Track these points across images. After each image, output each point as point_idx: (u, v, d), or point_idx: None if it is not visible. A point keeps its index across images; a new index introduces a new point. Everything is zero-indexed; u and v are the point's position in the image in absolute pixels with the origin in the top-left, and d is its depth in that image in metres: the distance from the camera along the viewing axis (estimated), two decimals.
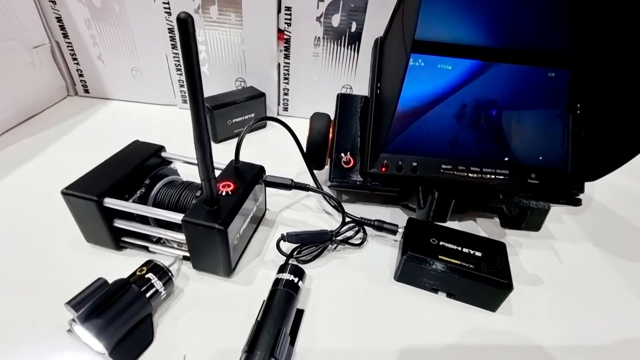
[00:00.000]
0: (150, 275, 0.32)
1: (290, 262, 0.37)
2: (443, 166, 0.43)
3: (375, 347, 0.32)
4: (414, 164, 0.43)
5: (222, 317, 0.34)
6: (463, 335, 0.34)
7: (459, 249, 0.37)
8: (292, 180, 0.41)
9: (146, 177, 0.39)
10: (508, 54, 0.44)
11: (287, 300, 0.32)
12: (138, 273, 0.32)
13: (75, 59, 0.66)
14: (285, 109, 0.69)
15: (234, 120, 0.60)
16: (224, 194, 0.36)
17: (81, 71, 0.67)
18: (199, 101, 0.27)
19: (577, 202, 0.43)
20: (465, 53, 0.44)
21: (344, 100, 0.45)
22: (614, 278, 0.41)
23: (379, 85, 0.43)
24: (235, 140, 0.64)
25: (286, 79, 0.65)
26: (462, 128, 0.43)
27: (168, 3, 0.57)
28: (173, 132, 0.60)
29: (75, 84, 0.69)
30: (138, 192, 0.38)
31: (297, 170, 0.54)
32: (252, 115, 0.62)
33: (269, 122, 0.66)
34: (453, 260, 0.36)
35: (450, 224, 0.46)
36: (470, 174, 0.43)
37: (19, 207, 0.44)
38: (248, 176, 0.39)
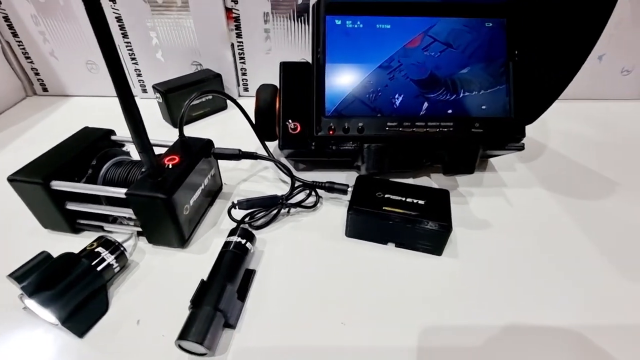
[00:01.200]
0: (100, 249, 0.33)
1: (242, 227, 0.38)
2: (388, 124, 0.44)
3: (325, 300, 0.34)
4: (360, 124, 0.43)
5: (176, 284, 0.35)
6: (411, 281, 0.35)
7: (403, 199, 0.38)
8: (239, 150, 0.42)
9: (93, 159, 0.39)
10: (446, 8, 0.45)
11: (234, 260, 0.34)
12: (88, 248, 0.33)
13: (28, 58, 0.65)
14: (246, 89, 0.70)
15: (191, 104, 0.60)
16: (170, 167, 0.37)
17: (36, 70, 0.67)
18: (119, 72, 0.28)
19: (521, 147, 0.44)
20: (401, 11, 0.44)
21: (287, 69, 0.45)
22: (562, 217, 0.43)
23: (319, 50, 0.44)
24: (195, 124, 0.66)
25: (242, 58, 0.65)
26: (406, 86, 0.44)
27: None
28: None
29: (33, 83, 0.69)
30: (87, 173, 0.38)
31: (258, 147, 0.55)
32: (210, 97, 0.62)
33: (230, 105, 0.67)
34: (396, 210, 0.37)
35: (405, 181, 0.48)
36: (415, 129, 0.44)
37: None
38: (194, 149, 0.40)
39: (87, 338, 0.30)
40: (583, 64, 0.35)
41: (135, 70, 0.66)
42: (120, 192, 0.34)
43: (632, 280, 0.35)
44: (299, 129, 0.44)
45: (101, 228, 0.39)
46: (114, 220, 0.40)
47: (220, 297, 0.30)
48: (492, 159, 0.53)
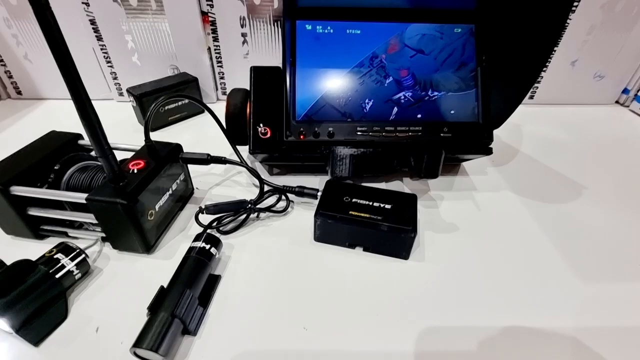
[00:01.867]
0: (59, 255, 0.33)
1: (207, 232, 0.38)
2: (359, 129, 0.44)
3: (289, 305, 0.34)
4: (330, 129, 0.44)
5: (139, 290, 0.34)
6: (377, 285, 0.36)
7: (370, 203, 0.39)
8: (208, 155, 0.42)
9: (57, 164, 0.39)
10: (415, 13, 0.45)
11: (196, 265, 0.33)
12: (47, 255, 0.33)
13: (1, 61, 0.64)
14: (224, 93, 0.70)
15: (166, 108, 0.60)
16: (135, 171, 0.36)
17: (10, 72, 0.66)
18: (70, 73, 0.27)
19: (489, 151, 0.45)
20: (372, 16, 0.45)
21: (257, 73, 0.45)
22: (528, 220, 0.44)
23: (291, 55, 0.44)
24: (170, 128, 0.65)
25: (219, 62, 0.65)
26: (375, 90, 0.45)
27: None
28: (111, 127, 0.60)
29: (6, 86, 0.68)
30: (50, 178, 0.38)
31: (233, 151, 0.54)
32: (186, 101, 0.62)
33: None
34: (362, 214, 0.37)
35: (377, 185, 0.48)
36: (385, 134, 0.44)
37: None
38: (161, 154, 0.40)
39: (42, 347, 0.30)
40: (543, 68, 0.36)
41: (111, 73, 0.65)
42: (80, 197, 0.34)
43: (592, 281, 0.36)
44: (269, 133, 0.44)
45: (65, 234, 0.39)
46: (79, 225, 0.40)
47: (178, 303, 0.29)
48: (464, 163, 0.53)
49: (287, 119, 0.43)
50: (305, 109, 0.44)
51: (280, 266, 0.37)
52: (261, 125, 0.44)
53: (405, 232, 0.36)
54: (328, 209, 0.38)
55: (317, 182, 0.49)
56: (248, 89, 0.47)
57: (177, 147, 0.42)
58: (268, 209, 0.42)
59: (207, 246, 0.35)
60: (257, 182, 0.48)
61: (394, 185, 0.49)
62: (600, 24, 0.62)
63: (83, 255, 0.34)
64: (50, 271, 0.32)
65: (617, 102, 0.72)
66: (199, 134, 0.61)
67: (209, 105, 0.46)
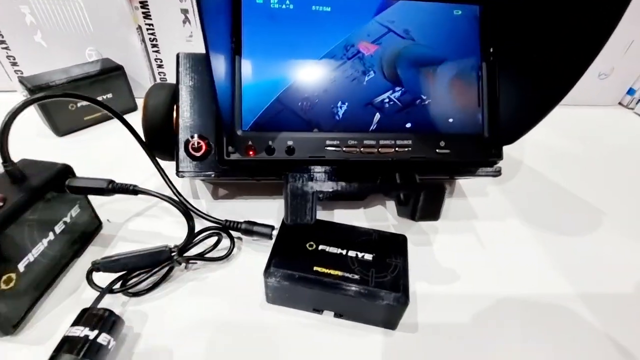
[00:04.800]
0: None
1: (107, 300, 0.25)
2: (328, 142, 0.32)
3: None
4: (289, 143, 0.32)
5: None
6: None
7: (344, 252, 0.28)
8: (109, 182, 0.29)
9: None
10: None
11: None
12: None
13: None
14: None
15: (78, 105, 0.45)
16: None
17: None
18: None
19: (496, 173, 0.34)
20: None
21: (188, 62, 0.32)
22: (544, 261, 0.34)
23: (233, 39, 0.31)
24: (87, 132, 0.50)
25: (154, 46, 0.51)
26: (351, 90, 0.33)
27: None
28: (13, 128, 0.45)
29: None
30: None
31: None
32: (110, 95, 0.48)
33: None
34: (332, 272, 0.26)
35: (353, 213, 0.37)
36: (363, 149, 0.33)
37: None
38: (34, 183, 0.26)
39: None
40: (586, 69, 0.26)
41: (8, 57, 0.49)
42: None
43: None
44: (204, 148, 0.32)
45: None
46: None
47: None
48: (460, 180, 0.43)
49: (229, 129, 0.31)
50: (256, 115, 0.32)
51: (220, 343, 0.26)
52: (194, 136, 0.32)
53: (392, 302, 0.25)
54: (283, 265, 0.26)
55: (276, 208, 0.38)
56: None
57: (64, 170, 0.28)
58: (202, 255, 0.30)
59: (92, 334, 0.23)
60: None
61: (375, 212, 0.38)
62: None
63: None
64: None
65: (620, 103, 0.64)
66: (125, 140, 0.47)
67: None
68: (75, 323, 0.23)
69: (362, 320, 0.27)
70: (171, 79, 0.55)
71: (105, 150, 0.44)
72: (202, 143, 0.31)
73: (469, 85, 0.35)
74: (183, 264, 0.30)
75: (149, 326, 0.27)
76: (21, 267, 0.25)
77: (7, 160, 0.26)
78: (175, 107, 0.32)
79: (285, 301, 0.28)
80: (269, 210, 0.37)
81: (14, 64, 0.50)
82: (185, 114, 0.32)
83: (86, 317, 0.23)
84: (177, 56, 0.32)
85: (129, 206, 0.36)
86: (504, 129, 0.33)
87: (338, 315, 0.28)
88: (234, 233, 0.32)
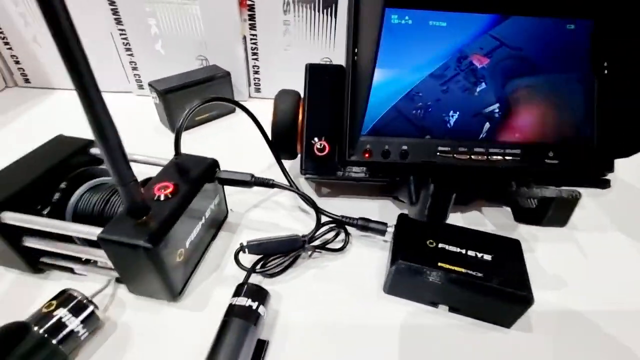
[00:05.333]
0: (60, 311, 0.25)
1: (250, 280, 0.29)
2: (440, 149, 0.35)
3: None
4: (404, 147, 0.34)
5: (166, 353, 0.26)
6: (468, 358, 0.27)
7: (463, 252, 0.30)
8: (252, 176, 0.33)
9: (64, 180, 0.30)
10: (514, 3, 0.35)
11: (240, 334, 0.25)
12: (44, 310, 0.25)
13: (7, 44, 0.56)
14: (258, 90, 0.61)
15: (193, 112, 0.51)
16: (162, 198, 0.28)
17: (17, 57, 0.58)
18: (83, 72, 0.19)
19: (605, 184, 0.35)
20: (461, 5, 0.35)
21: (315, 72, 0.36)
22: None
23: (356, 51, 0.35)
24: (197, 130, 0.56)
25: (255, 54, 0.56)
26: (463, 100, 0.35)
27: None
28: (128, 124, 0.52)
29: (13, 72, 0.60)
30: (53, 199, 0.30)
31: (274, 163, 0.46)
32: None
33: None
34: (456, 269, 0.28)
35: (452, 217, 0.39)
36: (473, 157, 0.35)
37: None
38: (194, 174, 0.31)
39: None
40: None
41: (131, 62, 0.57)
42: (91, 233, 0.25)
43: None
44: (327, 149, 0.35)
45: (71, 270, 0.31)
46: (87, 260, 0.32)
47: None
48: None
49: (352, 133, 0.34)
50: (373, 120, 0.35)
51: (342, 325, 0.29)
52: (316, 139, 0.35)
53: (518, 300, 0.27)
54: (410, 258, 0.29)
55: (376, 207, 0.40)
56: (297, 90, 0.38)
57: (214, 164, 0.33)
58: (323, 246, 0.33)
59: (254, 304, 0.26)
60: (304, 205, 0.39)
61: (472, 218, 0.39)
62: None
63: (91, 308, 0.26)
64: (47, 335, 0.24)
65: None
66: (231, 139, 0.52)
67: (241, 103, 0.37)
68: (237, 294, 0.27)
69: (478, 316, 0.29)
70: (264, 84, 0.60)
71: (216, 148, 0.49)
72: (326, 144, 0.35)
73: (579, 98, 0.35)
74: (309, 252, 0.33)
75: (284, 304, 0.30)
76: (187, 244, 0.29)
77: (178, 152, 0.31)
78: (301, 111, 0.36)
79: (404, 292, 0.31)
80: (370, 209, 0.40)
81: (135, 68, 0.57)
82: (311, 118, 0.35)
83: (245, 290, 0.27)
84: (307, 67, 0.36)
85: (246, 198, 0.40)
86: (621, 142, 0.33)
87: (454, 309, 0.30)
88: (348, 228, 0.35)
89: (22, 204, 0.28)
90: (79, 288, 0.27)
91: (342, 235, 0.35)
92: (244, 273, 0.31)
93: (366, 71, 0.30)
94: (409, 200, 0.32)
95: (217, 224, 0.36)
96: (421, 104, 0.35)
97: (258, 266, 0.31)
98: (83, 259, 0.31)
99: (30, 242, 0.28)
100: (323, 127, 0.35)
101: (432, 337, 0.28)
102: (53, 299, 0.26)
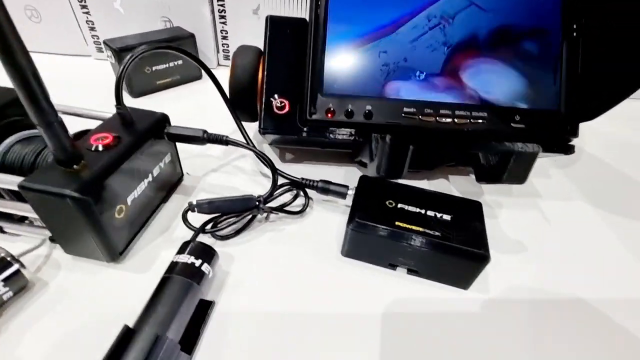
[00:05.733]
0: None
1: (198, 239, 0.28)
2: (405, 109, 0.33)
3: (310, 346, 0.24)
4: (368, 107, 0.33)
5: (100, 319, 0.24)
6: (428, 320, 0.26)
7: (422, 212, 0.28)
8: (204, 132, 0.31)
9: None
10: None
11: (180, 292, 0.23)
12: None
13: None
14: (227, 57, 0.58)
15: (154, 69, 0.48)
16: (99, 149, 0.26)
17: None
18: None
19: (570, 149, 0.34)
20: None
21: (275, 25, 0.34)
22: (612, 241, 0.34)
23: (318, 2, 0.33)
24: (159, 95, 0.53)
25: (222, 17, 0.53)
26: (429, 60, 0.34)
27: None
28: (83, 88, 0.48)
29: None
30: None
31: (234, 129, 0.43)
32: (180, 62, 0.50)
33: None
34: (414, 227, 0.27)
35: (417, 184, 0.38)
36: (439, 119, 0.33)
37: None
38: (139, 127, 0.29)
39: None
40: None
41: (88, 22, 0.53)
42: (11, 182, 0.23)
43: None
44: (287, 107, 0.33)
45: (0, 229, 0.28)
46: (23, 219, 0.29)
47: (148, 357, 0.19)
48: None
49: (313, 91, 0.32)
50: (336, 79, 0.33)
51: (296, 290, 0.27)
52: (277, 96, 0.33)
53: (475, 258, 0.26)
54: (367, 217, 0.28)
55: (341, 173, 0.39)
56: (260, 47, 0.36)
57: (163, 119, 0.31)
58: (281, 208, 0.32)
59: (197, 262, 0.25)
60: (266, 170, 0.37)
61: (438, 184, 0.39)
62: None
63: (16, 267, 0.24)
64: None
65: None
66: (193, 104, 0.49)
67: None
68: (181, 252, 0.25)
69: (436, 278, 0.28)
70: (234, 49, 0.57)
71: (177, 112, 0.47)
72: (286, 102, 0.33)
73: (548, 60, 0.34)
74: (265, 214, 0.31)
75: (235, 266, 0.29)
76: (129, 201, 0.27)
77: (120, 103, 0.28)
78: (261, 67, 0.34)
79: (362, 255, 0.29)
80: (334, 176, 0.38)
81: (92, 28, 0.53)
82: (271, 75, 0.33)
83: (190, 247, 0.25)
84: (267, 18, 0.34)
85: (205, 161, 0.38)
86: (583, 106, 0.33)
87: (412, 271, 0.29)
88: (310, 193, 0.34)
89: None
90: (9, 249, 0.24)
91: (301, 199, 0.33)
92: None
93: (323, 23, 0.28)
94: (369, 158, 0.31)
95: (168, 185, 0.34)
96: (387, 62, 0.33)
97: (208, 226, 0.29)
98: (16, 217, 0.29)
99: None
100: (283, 83, 0.33)
101: (391, 299, 0.27)
102: None
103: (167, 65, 0.49)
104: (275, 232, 0.32)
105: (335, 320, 0.26)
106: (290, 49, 0.34)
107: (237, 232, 0.30)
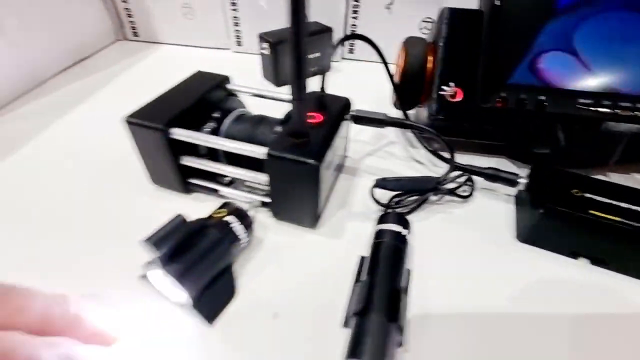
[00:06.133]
0: (230, 218, 0.27)
1: (395, 212, 0.30)
2: (580, 100, 0.33)
3: (499, 317, 0.25)
4: (541, 97, 0.33)
5: (310, 273, 0.28)
6: (617, 317, 0.26)
7: (615, 203, 0.28)
8: (385, 115, 0.33)
9: (214, 110, 0.32)
10: None
11: (396, 255, 0.26)
12: (215, 215, 0.27)
13: None
14: (351, 51, 0.61)
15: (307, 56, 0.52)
16: (312, 127, 0.29)
17: (129, 10, 0.62)
18: None
19: None
20: None
21: (455, 16, 0.35)
22: None
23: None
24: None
25: (355, 11, 0.56)
26: (621, 45, 0.32)
27: None
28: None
29: (124, 26, 0.64)
30: (207, 126, 0.32)
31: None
32: (318, 55, 0.54)
33: (334, 67, 0.58)
34: (611, 217, 0.27)
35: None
36: (619, 111, 0.33)
37: (76, 149, 0.40)
38: (334, 109, 0.32)
39: (217, 327, 0.24)
40: None
41: (233, 18, 0.58)
42: (259, 152, 0.27)
43: None
44: (459, 95, 0.35)
45: (215, 192, 0.33)
46: (229, 183, 0.34)
47: (395, 306, 0.22)
48: None
49: (489, 80, 0.33)
50: (512, 69, 0.34)
51: (477, 267, 0.29)
52: (452, 84, 0.35)
53: None
54: (558, 203, 0.28)
55: (492, 164, 0.39)
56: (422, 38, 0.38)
57: (347, 103, 0.34)
58: (452, 191, 0.33)
59: (404, 231, 0.27)
60: (417, 155, 0.40)
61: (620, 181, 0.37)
62: None
63: (251, 221, 0.28)
64: (221, 235, 0.26)
65: None
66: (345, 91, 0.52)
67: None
68: (383, 221, 0.28)
69: (627, 271, 0.28)
70: (359, 45, 0.60)
71: None
72: (459, 90, 0.34)
73: None
74: (439, 196, 0.33)
75: (416, 242, 0.31)
76: (329, 173, 0.30)
77: (322, 89, 0.31)
78: (428, 58, 0.36)
79: (542, 241, 0.30)
80: (484, 165, 0.39)
81: (236, 24, 0.59)
82: (446, 63, 0.35)
83: (394, 217, 0.28)
84: (446, 10, 0.35)
85: (360, 146, 0.41)
86: None
87: (598, 262, 0.29)
88: (475, 178, 0.35)
89: (185, 125, 0.30)
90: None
91: (468, 185, 0.35)
92: (370, 211, 0.32)
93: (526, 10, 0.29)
94: (555, 145, 0.31)
95: (339, 166, 0.37)
96: (570, 50, 0.33)
97: (393, 203, 0.32)
98: (226, 182, 0.33)
99: (187, 161, 0.31)
100: (455, 73, 0.35)
101: (573, 289, 0.27)
102: (221, 208, 0.28)
103: (307, 56, 0.53)
104: (444, 213, 0.33)
105: (515, 300, 0.27)
106: (465, 39, 0.35)
107: (413, 210, 0.33)
